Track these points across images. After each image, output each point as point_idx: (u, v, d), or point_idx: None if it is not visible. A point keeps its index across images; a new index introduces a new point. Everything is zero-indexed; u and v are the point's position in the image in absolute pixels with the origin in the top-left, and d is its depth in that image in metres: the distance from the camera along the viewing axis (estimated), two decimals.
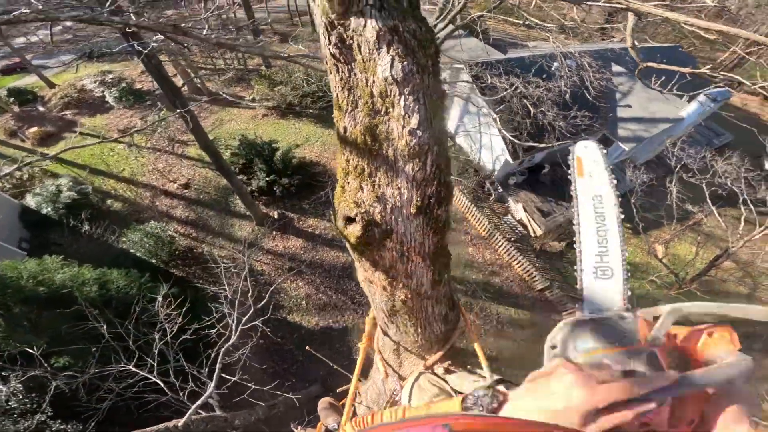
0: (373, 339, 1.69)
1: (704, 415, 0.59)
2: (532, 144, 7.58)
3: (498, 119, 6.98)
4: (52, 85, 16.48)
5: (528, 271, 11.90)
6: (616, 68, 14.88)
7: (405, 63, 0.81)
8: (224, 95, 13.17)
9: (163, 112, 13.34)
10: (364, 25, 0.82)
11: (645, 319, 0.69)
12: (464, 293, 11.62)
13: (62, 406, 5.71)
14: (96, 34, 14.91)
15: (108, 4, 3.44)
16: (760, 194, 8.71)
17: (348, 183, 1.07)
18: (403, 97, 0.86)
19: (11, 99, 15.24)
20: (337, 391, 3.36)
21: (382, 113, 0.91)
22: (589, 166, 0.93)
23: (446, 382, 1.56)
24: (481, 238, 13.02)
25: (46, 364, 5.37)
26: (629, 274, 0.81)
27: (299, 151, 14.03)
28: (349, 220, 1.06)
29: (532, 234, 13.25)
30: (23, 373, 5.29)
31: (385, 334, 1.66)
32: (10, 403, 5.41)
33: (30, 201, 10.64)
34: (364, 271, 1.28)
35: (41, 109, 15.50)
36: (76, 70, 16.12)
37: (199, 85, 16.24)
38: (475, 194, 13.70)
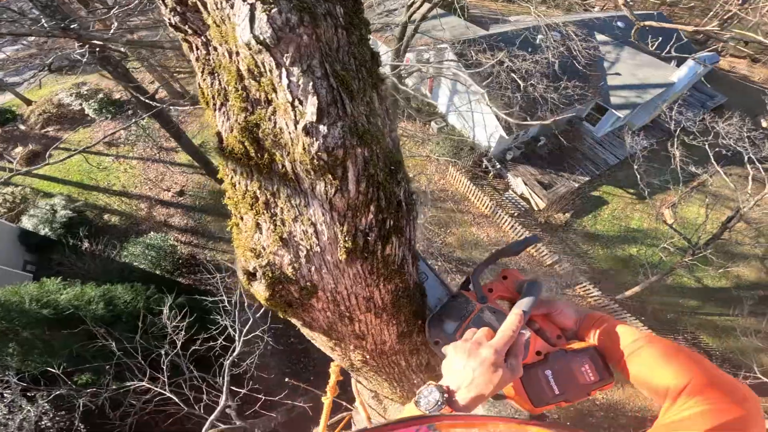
0: (337, 390, 1.32)
1: (556, 324, 0.84)
2: (524, 123, 7.12)
3: (486, 95, 6.53)
4: (28, 102, 15.84)
5: (535, 246, 11.51)
6: (600, 37, 14.47)
7: (274, 11, 0.42)
8: None
9: (145, 120, 12.77)
10: None
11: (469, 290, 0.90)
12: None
13: (91, 423, 5.76)
14: (61, 46, 14.18)
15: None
16: (765, 152, 8.35)
17: (241, 219, 0.68)
18: (283, 70, 0.46)
19: None
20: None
21: (263, 103, 0.53)
22: None
23: None
24: (484, 217, 12.62)
25: (69, 383, 5.37)
26: (436, 270, 0.95)
27: None
28: (251, 275, 0.67)
29: (535, 207, 12.87)
30: (48, 392, 5.35)
31: (358, 381, 1.31)
32: (43, 422, 5.39)
33: (26, 223, 10.27)
34: (301, 327, 0.91)
35: (22, 127, 14.93)
36: (40, 86, 15.43)
37: (179, 90, 15.55)
38: (473, 172, 13.24)
